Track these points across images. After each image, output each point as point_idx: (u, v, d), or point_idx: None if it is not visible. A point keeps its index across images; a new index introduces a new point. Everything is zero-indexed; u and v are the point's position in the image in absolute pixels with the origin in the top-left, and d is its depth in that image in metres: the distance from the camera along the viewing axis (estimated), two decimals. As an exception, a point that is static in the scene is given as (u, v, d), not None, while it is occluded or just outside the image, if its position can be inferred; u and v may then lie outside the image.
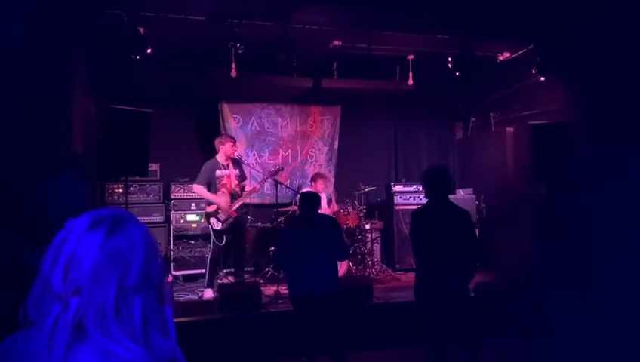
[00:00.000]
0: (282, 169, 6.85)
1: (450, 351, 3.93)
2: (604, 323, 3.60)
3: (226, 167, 6.16)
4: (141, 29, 5.68)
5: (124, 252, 1.06)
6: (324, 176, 7.53)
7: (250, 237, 7.46)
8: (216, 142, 6.23)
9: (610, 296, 3.79)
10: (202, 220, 7.07)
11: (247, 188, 6.39)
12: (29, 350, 1.02)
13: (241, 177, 6.32)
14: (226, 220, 6.02)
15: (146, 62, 5.96)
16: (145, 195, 7.33)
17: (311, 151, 8.65)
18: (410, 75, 7.15)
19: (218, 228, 6.03)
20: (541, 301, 3.75)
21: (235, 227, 6.18)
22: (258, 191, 6.69)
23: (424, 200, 8.10)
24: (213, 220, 6.04)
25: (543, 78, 6.90)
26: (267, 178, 6.74)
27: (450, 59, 6.75)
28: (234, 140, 6.37)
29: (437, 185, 3.95)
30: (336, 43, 6.56)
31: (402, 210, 8.00)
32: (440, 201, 3.94)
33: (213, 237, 6.05)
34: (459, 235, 3.79)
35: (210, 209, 6.07)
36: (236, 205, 6.12)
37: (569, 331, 3.72)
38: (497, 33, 6.40)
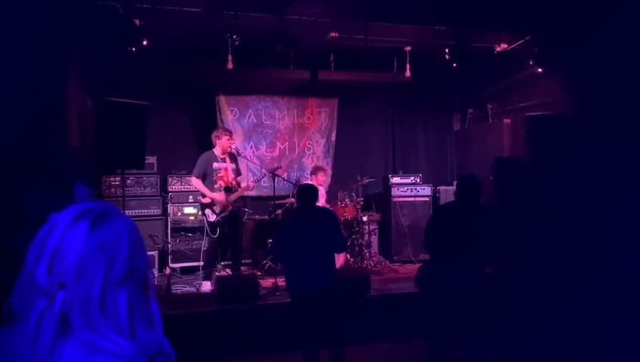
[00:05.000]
0: (280, 167, 6.88)
1: (453, 342, 3.97)
2: (598, 320, 3.61)
3: (223, 161, 6.16)
4: (137, 21, 5.64)
5: (108, 244, 1.05)
6: (324, 169, 7.54)
7: (247, 230, 7.47)
8: (213, 136, 6.24)
9: (609, 287, 3.81)
10: (199, 213, 7.08)
11: (242, 185, 6.39)
12: (14, 345, 1.02)
13: (237, 172, 6.34)
14: (221, 212, 6.03)
15: (142, 55, 5.92)
16: (142, 188, 7.31)
17: (308, 144, 8.63)
18: (408, 66, 7.13)
19: (212, 220, 6.05)
20: (537, 291, 3.76)
21: (232, 220, 6.19)
22: (251, 189, 6.68)
23: (421, 192, 8.19)
24: (208, 211, 6.06)
25: (540, 70, 6.88)
26: (264, 175, 6.74)
27: (447, 50, 6.73)
28: (230, 134, 6.38)
29: (465, 193, 4.09)
30: (333, 34, 6.53)
31: (400, 202, 8.01)
32: (468, 203, 4.07)
33: (207, 228, 6.07)
34: (477, 230, 3.88)
35: (206, 200, 6.08)
36: (233, 198, 6.13)
37: (567, 323, 3.73)
38: (495, 24, 6.38)
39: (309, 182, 6.94)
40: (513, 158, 4.55)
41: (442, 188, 8.38)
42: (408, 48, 7.06)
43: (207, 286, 6.05)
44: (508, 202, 4.09)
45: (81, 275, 1.01)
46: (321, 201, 6.96)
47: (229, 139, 6.19)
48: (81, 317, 1.00)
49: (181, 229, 7.26)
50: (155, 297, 1.14)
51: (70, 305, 1.00)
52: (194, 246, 7.13)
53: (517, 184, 4.10)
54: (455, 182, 4.34)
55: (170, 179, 7.47)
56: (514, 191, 4.10)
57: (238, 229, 6.36)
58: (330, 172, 8.54)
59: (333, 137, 8.74)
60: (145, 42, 5.77)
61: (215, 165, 6.10)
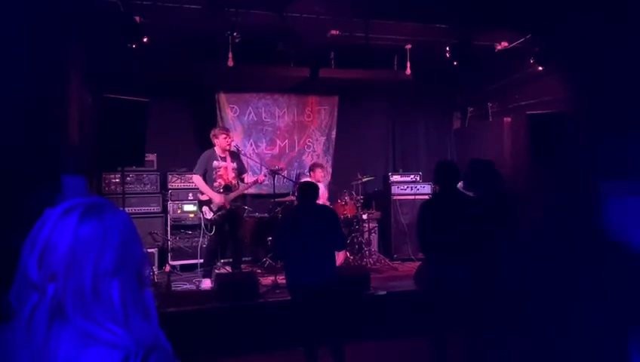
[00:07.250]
0: (281, 170, 6.89)
1: (452, 338, 3.98)
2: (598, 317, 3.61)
3: (224, 159, 6.17)
4: (137, 18, 5.64)
5: (98, 236, 1.06)
6: (322, 166, 7.54)
7: (247, 228, 7.47)
8: (211, 135, 6.26)
9: (608, 285, 3.81)
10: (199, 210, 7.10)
11: (247, 180, 6.38)
12: (10, 340, 1.03)
13: (240, 170, 6.33)
14: (218, 210, 6.04)
15: (143, 52, 5.92)
16: (142, 185, 7.32)
17: (308, 142, 8.63)
18: (408, 64, 7.12)
19: (209, 218, 6.06)
20: (538, 285, 3.77)
21: (232, 218, 6.20)
22: (262, 182, 6.69)
23: (421, 190, 8.19)
24: (205, 209, 6.07)
25: (540, 68, 6.88)
26: (265, 176, 6.73)
27: (448, 48, 6.72)
28: (227, 132, 6.36)
29: (444, 178, 4.12)
30: (333, 32, 6.51)
31: (400, 200, 8.02)
32: (448, 192, 4.10)
33: (203, 225, 6.10)
34: (466, 223, 3.87)
35: (204, 197, 6.09)
36: (233, 196, 6.13)
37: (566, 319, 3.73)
38: (495, 22, 6.37)
39: (307, 178, 6.95)
40: (487, 161, 4.61)
41: (442, 186, 8.37)
42: (409, 46, 7.05)
43: (206, 283, 6.06)
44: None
45: (71, 266, 1.03)
46: (323, 200, 6.95)
47: (225, 138, 6.18)
48: (76, 305, 1.01)
49: (181, 227, 7.27)
50: (150, 289, 1.15)
51: (62, 295, 1.01)
52: (194, 244, 7.13)
53: (492, 185, 4.15)
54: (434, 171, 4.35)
55: (170, 176, 7.47)
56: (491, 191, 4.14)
57: (238, 227, 6.36)
58: (329, 169, 8.54)
59: (334, 135, 8.74)
60: (145, 39, 5.76)
61: (215, 163, 6.10)
